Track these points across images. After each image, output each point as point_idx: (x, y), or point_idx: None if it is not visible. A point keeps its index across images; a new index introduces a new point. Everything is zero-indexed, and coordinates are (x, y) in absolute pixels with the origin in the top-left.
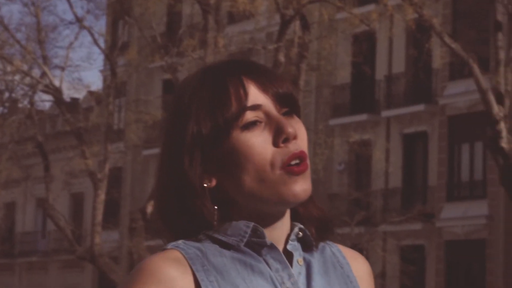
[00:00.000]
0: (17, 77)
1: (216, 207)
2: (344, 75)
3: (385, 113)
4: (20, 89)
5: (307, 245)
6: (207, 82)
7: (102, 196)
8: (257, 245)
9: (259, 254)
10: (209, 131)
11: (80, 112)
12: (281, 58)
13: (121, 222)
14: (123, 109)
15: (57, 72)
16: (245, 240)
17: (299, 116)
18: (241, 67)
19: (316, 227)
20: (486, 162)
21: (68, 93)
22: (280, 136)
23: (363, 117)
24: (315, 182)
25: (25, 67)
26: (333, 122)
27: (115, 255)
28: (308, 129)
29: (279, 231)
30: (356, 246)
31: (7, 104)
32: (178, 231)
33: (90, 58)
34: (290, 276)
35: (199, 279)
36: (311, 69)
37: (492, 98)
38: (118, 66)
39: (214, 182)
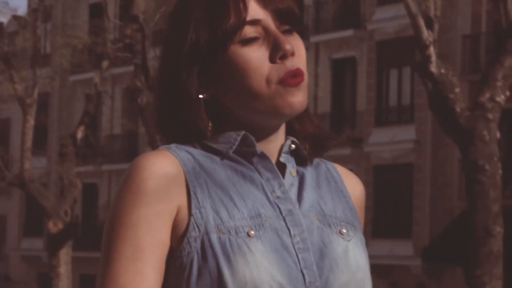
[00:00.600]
0: None
1: (210, 121)
2: None
3: (314, 39)
4: None
5: (301, 159)
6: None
7: (31, 122)
8: (248, 154)
9: (251, 163)
10: (207, 42)
11: (5, 36)
12: None
13: (49, 148)
14: (50, 34)
15: None
16: (234, 147)
17: (301, 34)
18: None
19: (311, 143)
20: (414, 87)
21: None
22: (277, 53)
23: None
24: None
25: None
26: None
27: (44, 181)
28: None
29: (273, 144)
30: None
31: None
32: (174, 142)
33: None
34: (280, 185)
35: (188, 180)
36: None
37: (421, 23)
38: None
39: (209, 94)
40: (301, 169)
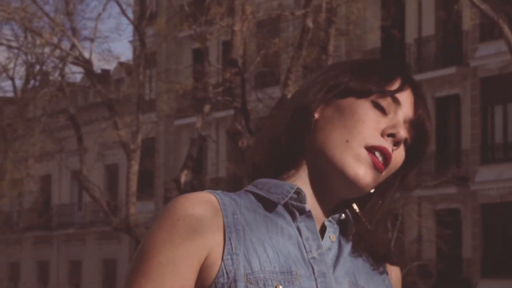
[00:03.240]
0: (47, 50)
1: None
2: (373, 39)
3: (416, 77)
4: (51, 61)
5: (346, 232)
6: (379, 63)
7: (135, 167)
8: (295, 210)
9: (294, 219)
10: (354, 84)
11: (111, 83)
12: (309, 23)
13: (155, 193)
14: (154, 79)
15: (87, 43)
16: (286, 198)
17: (416, 156)
18: (410, 76)
19: (370, 249)
20: None
21: (98, 65)
22: (390, 129)
23: None
24: None
25: (54, 40)
26: None
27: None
28: None
29: (325, 207)
30: (391, 212)
31: (38, 77)
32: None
33: (119, 29)
34: (319, 246)
35: (226, 224)
36: (340, 34)
37: None
38: (147, 37)
39: (318, 116)
40: (342, 239)
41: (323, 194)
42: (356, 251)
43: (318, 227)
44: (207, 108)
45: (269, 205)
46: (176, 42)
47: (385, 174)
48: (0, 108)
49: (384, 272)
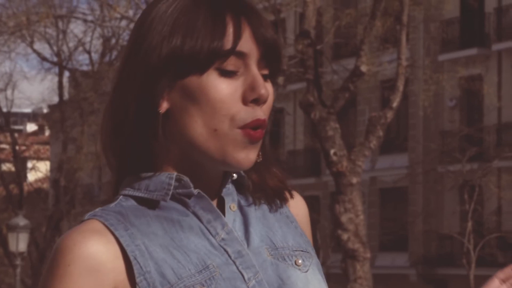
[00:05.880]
0: (123, 23)
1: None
2: (451, 9)
3: (496, 47)
4: (127, 35)
5: (243, 187)
6: (202, 6)
7: None
8: (184, 197)
9: (187, 207)
10: (190, 52)
11: None
12: None
13: None
14: None
15: None
16: (170, 193)
17: (274, 79)
18: (241, 6)
19: (269, 195)
20: None
21: None
22: (251, 94)
23: (473, 51)
24: (425, 119)
25: (130, 13)
26: (442, 57)
27: None
28: (416, 66)
29: (214, 180)
30: (468, 183)
31: (114, 51)
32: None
33: None
34: (223, 225)
35: (124, 245)
36: (415, 4)
37: None
38: None
39: (165, 109)
40: (241, 198)
41: (204, 173)
42: (259, 203)
43: (214, 203)
44: (281, 79)
45: (155, 204)
46: None
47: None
48: (76, 81)
49: (294, 219)
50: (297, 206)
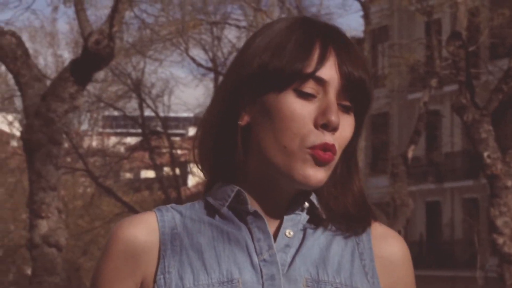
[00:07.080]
0: None
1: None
2: None
3: None
4: None
5: (317, 217)
6: (296, 30)
7: (361, 143)
8: (242, 212)
9: (245, 222)
10: (273, 69)
11: None
12: None
13: (387, 168)
14: (387, 53)
15: None
16: (226, 204)
17: (363, 112)
18: (333, 36)
19: (340, 221)
20: None
21: None
22: (322, 119)
23: None
24: None
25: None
26: None
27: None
28: None
29: (279, 202)
30: None
31: None
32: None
33: (345, 5)
34: (270, 247)
35: (161, 242)
36: None
37: None
38: (377, 11)
39: (245, 122)
40: (311, 227)
41: (273, 191)
42: (330, 229)
43: (275, 225)
44: (433, 82)
45: (215, 212)
46: (408, 15)
47: (337, 155)
48: None
49: (369, 257)
50: (387, 247)
